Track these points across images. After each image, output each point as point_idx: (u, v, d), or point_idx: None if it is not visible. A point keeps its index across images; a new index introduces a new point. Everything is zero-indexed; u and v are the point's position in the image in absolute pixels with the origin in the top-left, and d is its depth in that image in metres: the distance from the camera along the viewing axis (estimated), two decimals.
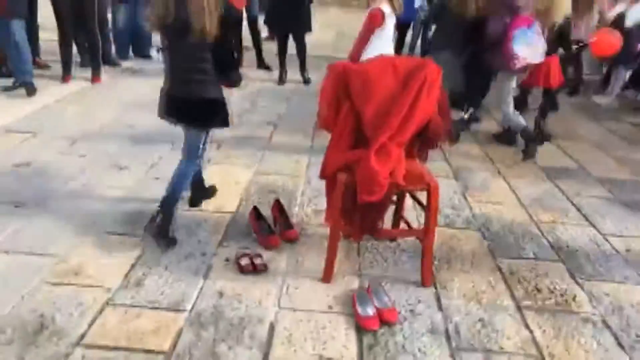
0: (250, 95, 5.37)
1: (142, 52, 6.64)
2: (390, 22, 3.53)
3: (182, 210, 2.88)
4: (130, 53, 6.60)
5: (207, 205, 2.96)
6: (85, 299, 2.10)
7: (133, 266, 2.35)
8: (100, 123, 4.22)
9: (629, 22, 5.27)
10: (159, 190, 3.06)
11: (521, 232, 2.89)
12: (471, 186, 3.47)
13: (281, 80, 5.97)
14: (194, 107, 2.52)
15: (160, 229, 2.51)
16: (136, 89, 5.28)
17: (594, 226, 3.01)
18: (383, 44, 3.49)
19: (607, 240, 2.86)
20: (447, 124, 2.44)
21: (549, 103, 4.45)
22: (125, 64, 6.30)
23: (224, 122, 2.64)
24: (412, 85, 2.26)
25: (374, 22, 3.47)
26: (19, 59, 4.66)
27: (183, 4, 2.29)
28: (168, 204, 2.55)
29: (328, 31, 8.46)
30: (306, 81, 5.97)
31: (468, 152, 4.11)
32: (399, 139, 2.27)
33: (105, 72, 5.68)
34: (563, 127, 4.85)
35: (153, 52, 6.82)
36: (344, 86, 2.32)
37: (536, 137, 4.09)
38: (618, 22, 5.23)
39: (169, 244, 2.51)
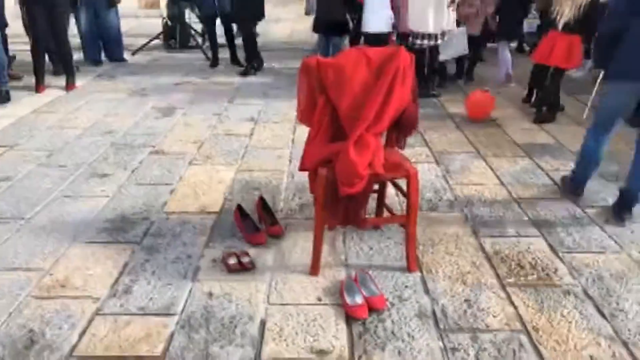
0: (227, 92, 5.35)
1: (115, 56, 6.56)
2: None
3: (165, 213, 2.89)
4: (103, 58, 6.51)
5: (190, 206, 2.97)
6: (74, 311, 2.10)
7: (120, 274, 2.35)
8: (78, 131, 4.17)
9: None
10: (142, 196, 3.08)
11: (502, 211, 2.95)
12: (452, 169, 3.51)
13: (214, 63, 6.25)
14: (333, 25, 5.12)
15: None
16: (112, 94, 5.22)
17: (572, 200, 3.07)
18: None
19: (585, 212, 2.93)
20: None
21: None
22: (99, 69, 6.23)
23: (347, 32, 5.34)
24: (385, 75, 2.28)
25: None
26: None
27: None
28: None
29: (306, 20, 8.35)
30: (245, 72, 6.02)
31: (447, 135, 4.16)
32: (375, 129, 2.29)
33: (80, 79, 5.61)
34: None
35: (127, 55, 6.76)
36: (319, 80, 2.34)
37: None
38: None
39: None
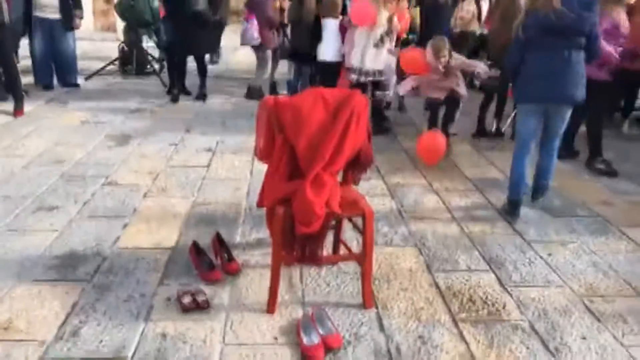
0: (184, 121, 5.31)
1: (68, 81, 6.39)
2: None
3: (118, 248, 2.82)
4: (55, 82, 6.34)
5: (144, 241, 2.90)
6: (17, 356, 2.00)
7: (68, 315, 2.26)
8: (26, 160, 4.02)
9: None
10: (93, 230, 2.99)
11: (454, 245, 3.05)
12: (406, 203, 3.61)
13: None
14: (308, 54, 5.52)
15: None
16: (64, 121, 5.08)
17: (519, 234, 3.22)
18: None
19: (531, 247, 3.07)
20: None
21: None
22: (50, 94, 6.05)
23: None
24: (341, 116, 2.36)
25: None
26: None
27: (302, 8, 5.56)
28: None
29: None
30: (201, 97, 6.22)
31: (401, 168, 4.27)
32: (332, 168, 2.35)
33: (29, 104, 5.43)
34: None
35: (80, 80, 6.61)
36: (277, 120, 2.38)
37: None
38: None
39: None
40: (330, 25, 5.37)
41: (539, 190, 3.55)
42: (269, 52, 6.29)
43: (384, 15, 4.79)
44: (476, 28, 4.68)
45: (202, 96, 6.21)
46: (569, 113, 3.33)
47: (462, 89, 4.38)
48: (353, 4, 5.30)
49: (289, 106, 2.38)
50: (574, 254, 2.98)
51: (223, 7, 7.69)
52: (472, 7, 4.70)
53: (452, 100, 4.43)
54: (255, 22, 5.98)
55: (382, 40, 4.84)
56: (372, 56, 4.90)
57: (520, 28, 3.22)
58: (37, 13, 5.92)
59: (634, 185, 4.10)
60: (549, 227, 3.31)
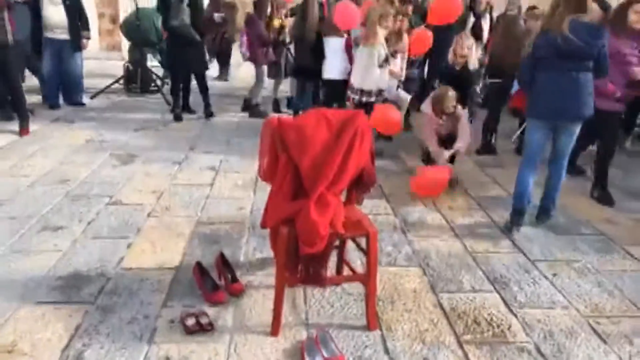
0: (189, 139, 5.34)
1: (74, 100, 6.46)
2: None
3: (122, 269, 2.82)
4: (61, 101, 6.40)
5: (148, 262, 2.91)
6: None
7: (72, 337, 2.26)
8: (31, 179, 4.05)
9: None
10: (97, 250, 3.00)
11: (458, 265, 3.04)
12: (410, 221, 3.61)
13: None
14: (311, 71, 5.72)
15: None
16: (69, 140, 5.12)
17: (523, 253, 3.21)
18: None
19: (535, 266, 3.05)
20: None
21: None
22: (56, 113, 6.11)
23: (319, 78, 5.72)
24: (344, 137, 2.37)
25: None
26: None
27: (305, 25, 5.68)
28: None
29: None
30: (209, 115, 6.31)
31: (404, 187, 4.26)
32: (335, 188, 2.36)
33: (35, 123, 5.48)
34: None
35: (86, 99, 6.67)
36: (280, 139, 2.39)
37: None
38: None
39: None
40: (333, 43, 5.43)
41: (544, 212, 3.59)
42: (264, 68, 6.38)
43: (380, 34, 4.79)
44: (475, 61, 4.71)
45: (208, 114, 6.25)
46: (577, 130, 3.37)
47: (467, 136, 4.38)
48: (337, 6, 5.18)
49: (293, 126, 2.40)
50: (578, 274, 2.97)
51: (231, 24, 7.82)
52: (471, 41, 4.73)
53: (453, 138, 4.42)
54: (245, 38, 6.17)
55: (386, 60, 4.84)
56: (375, 76, 4.84)
57: (531, 47, 3.30)
58: (47, 34, 6.02)
59: (638, 203, 4.09)
60: (553, 246, 3.30)
